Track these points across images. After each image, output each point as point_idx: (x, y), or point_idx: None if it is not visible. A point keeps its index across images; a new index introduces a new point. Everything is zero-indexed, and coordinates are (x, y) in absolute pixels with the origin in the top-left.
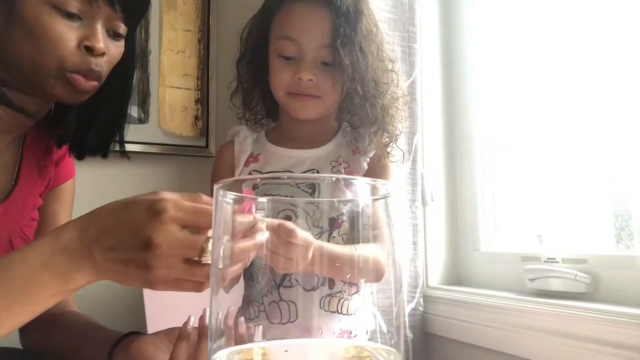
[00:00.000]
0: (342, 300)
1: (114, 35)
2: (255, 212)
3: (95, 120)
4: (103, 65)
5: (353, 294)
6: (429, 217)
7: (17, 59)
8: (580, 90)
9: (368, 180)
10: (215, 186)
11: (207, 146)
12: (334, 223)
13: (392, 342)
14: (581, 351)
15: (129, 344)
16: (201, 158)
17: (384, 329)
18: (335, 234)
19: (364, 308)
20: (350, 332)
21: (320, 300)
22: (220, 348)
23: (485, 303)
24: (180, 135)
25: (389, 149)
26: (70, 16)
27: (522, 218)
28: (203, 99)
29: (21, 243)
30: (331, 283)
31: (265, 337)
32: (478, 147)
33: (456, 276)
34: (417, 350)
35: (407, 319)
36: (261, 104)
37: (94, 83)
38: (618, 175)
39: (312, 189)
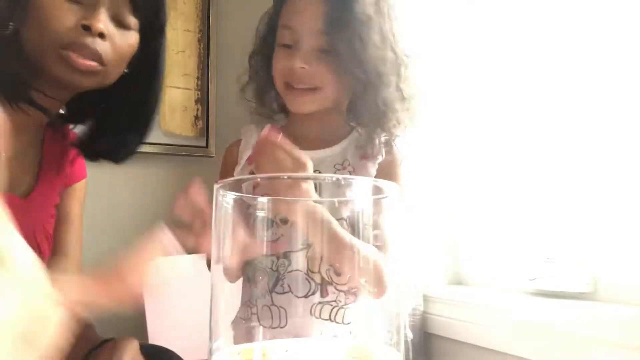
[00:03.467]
0: (335, 308)
1: (120, 24)
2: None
3: (111, 123)
4: (106, 49)
5: (350, 303)
6: (429, 217)
7: (27, 48)
8: (581, 89)
9: (369, 180)
10: (215, 186)
11: (207, 146)
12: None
13: (392, 342)
14: (581, 351)
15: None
16: (201, 158)
17: (384, 329)
18: None
19: (362, 317)
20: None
21: (312, 307)
22: (220, 348)
23: (485, 303)
24: (180, 135)
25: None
26: (73, 1)
27: (523, 217)
28: (203, 99)
29: (44, 240)
30: (323, 292)
31: (255, 338)
32: (479, 145)
33: (456, 276)
34: (417, 350)
35: (407, 319)
36: (274, 99)
37: (92, 63)
38: (618, 174)
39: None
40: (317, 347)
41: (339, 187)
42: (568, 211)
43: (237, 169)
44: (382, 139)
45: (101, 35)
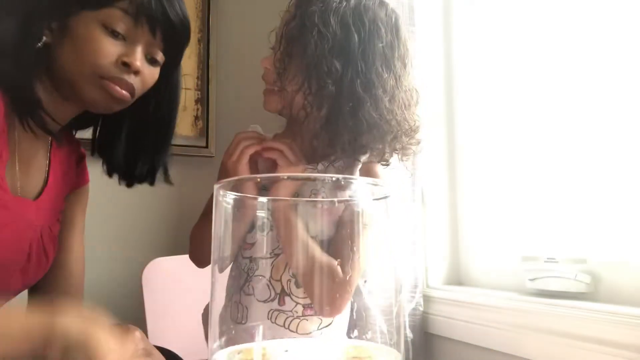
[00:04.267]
0: (290, 318)
1: (151, 60)
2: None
3: (142, 149)
4: (137, 84)
5: (308, 315)
6: (429, 217)
7: (61, 68)
8: (579, 88)
9: (368, 180)
10: (215, 186)
11: (207, 146)
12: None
13: (392, 342)
14: (581, 351)
15: None
16: (201, 158)
17: (384, 329)
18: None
19: (320, 331)
20: None
21: (269, 312)
22: (220, 347)
23: (485, 303)
24: (180, 135)
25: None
26: (115, 35)
27: (523, 218)
28: (203, 99)
29: (50, 241)
30: (281, 300)
31: (223, 330)
32: (479, 146)
33: (456, 276)
34: (417, 350)
35: (407, 319)
36: None
37: (127, 94)
38: (619, 174)
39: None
40: (317, 347)
41: (338, 188)
42: (568, 211)
43: None
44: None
45: (136, 72)
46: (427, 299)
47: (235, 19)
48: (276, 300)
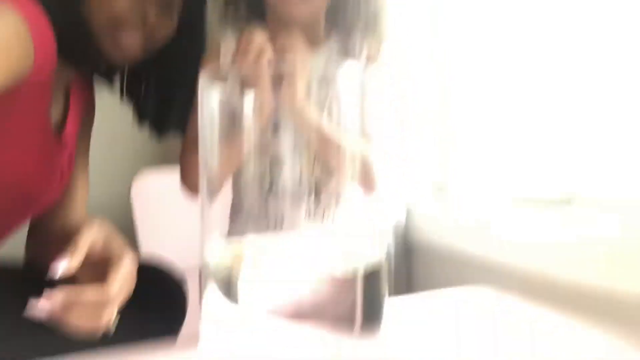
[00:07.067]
0: (327, 210)
1: (167, 6)
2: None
3: (172, 97)
4: (147, 34)
5: (339, 204)
6: (413, 132)
7: (86, 19)
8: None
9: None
10: (200, 80)
11: None
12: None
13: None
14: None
15: None
16: None
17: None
18: None
19: (348, 220)
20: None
21: (306, 210)
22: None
23: (469, 214)
24: None
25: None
26: None
27: (513, 132)
28: None
29: (67, 169)
30: (317, 193)
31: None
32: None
33: (441, 188)
34: (399, 262)
35: (390, 230)
36: (247, 6)
37: (138, 42)
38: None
39: None
40: (301, 246)
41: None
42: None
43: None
44: (362, 44)
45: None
46: (410, 210)
47: None
48: (312, 195)
